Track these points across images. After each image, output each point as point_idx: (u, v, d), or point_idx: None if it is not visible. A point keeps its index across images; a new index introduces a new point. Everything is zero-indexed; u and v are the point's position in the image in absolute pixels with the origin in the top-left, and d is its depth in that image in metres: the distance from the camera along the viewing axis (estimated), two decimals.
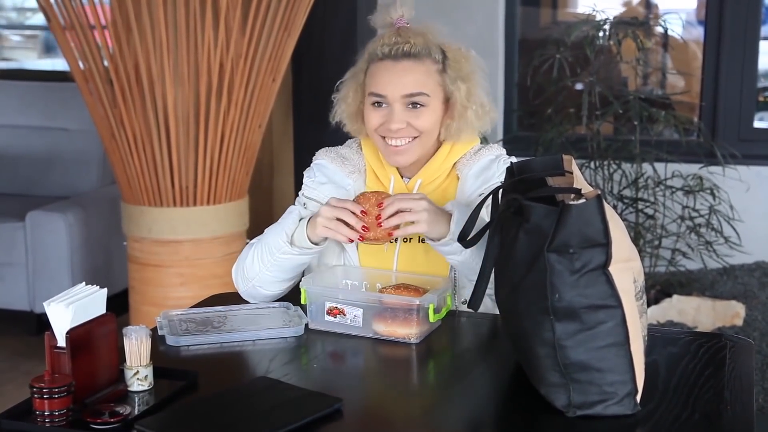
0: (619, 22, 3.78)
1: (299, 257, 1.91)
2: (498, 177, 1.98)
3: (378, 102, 1.94)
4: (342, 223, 1.84)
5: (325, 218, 1.85)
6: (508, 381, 1.65)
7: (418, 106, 1.93)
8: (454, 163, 2.03)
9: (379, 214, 1.84)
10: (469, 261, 1.85)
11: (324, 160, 2.08)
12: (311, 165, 2.11)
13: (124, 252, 3.58)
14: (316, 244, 1.90)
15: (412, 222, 1.83)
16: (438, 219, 1.84)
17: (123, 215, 3.47)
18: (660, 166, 3.81)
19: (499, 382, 1.67)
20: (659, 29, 4.14)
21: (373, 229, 1.84)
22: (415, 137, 1.94)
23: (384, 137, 1.95)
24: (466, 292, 1.96)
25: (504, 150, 2.06)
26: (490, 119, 2.02)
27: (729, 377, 1.60)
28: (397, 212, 1.84)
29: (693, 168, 3.86)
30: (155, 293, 3.40)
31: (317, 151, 2.11)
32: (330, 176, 2.05)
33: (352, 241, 1.86)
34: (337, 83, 2.06)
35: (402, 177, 2.03)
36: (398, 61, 1.92)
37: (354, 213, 1.84)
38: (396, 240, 1.97)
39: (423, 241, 1.98)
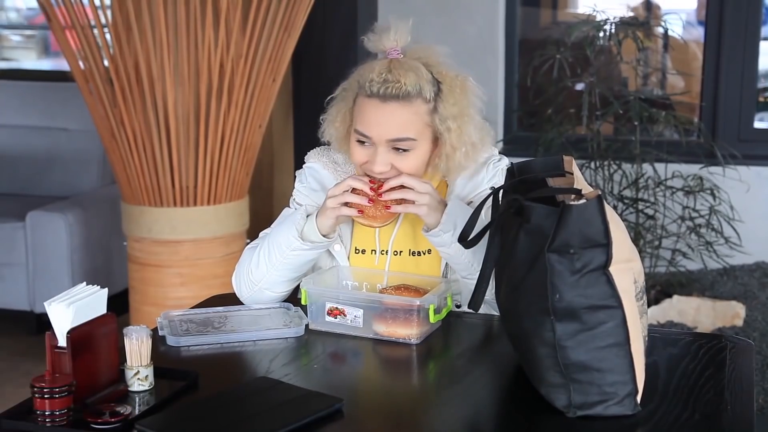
0: (619, 23, 3.77)
1: (310, 252, 1.91)
2: (488, 182, 1.97)
3: (362, 140, 1.90)
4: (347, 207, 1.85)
5: (332, 201, 1.86)
6: (508, 381, 1.65)
7: (402, 150, 1.88)
8: None
9: (381, 185, 1.84)
10: (457, 255, 1.86)
11: (317, 165, 2.06)
12: (303, 167, 2.09)
13: (124, 252, 3.58)
14: (326, 236, 1.90)
15: (412, 202, 1.84)
16: (437, 208, 1.85)
17: (123, 215, 3.47)
18: (660, 167, 3.81)
19: (499, 383, 1.67)
20: (659, 30, 4.14)
21: (373, 208, 1.85)
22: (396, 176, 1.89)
23: (367, 174, 1.92)
24: (461, 297, 1.96)
25: (495, 150, 2.03)
26: (480, 154, 1.97)
27: (729, 378, 1.60)
28: (400, 188, 1.84)
29: (693, 168, 3.86)
30: (155, 293, 3.40)
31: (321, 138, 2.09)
32: (322, 182, 2.04)
33: (361, 212, 1.85)
34: (327, 100, 2.02)
35: None
36: (386, 102, 1.84)
37: (356, 190, 1.84)
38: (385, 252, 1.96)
39: (413, 254, 1.99)
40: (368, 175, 1.90)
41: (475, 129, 1.94)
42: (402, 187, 1.85)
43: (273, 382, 1.56)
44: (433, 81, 1.89)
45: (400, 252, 1.99)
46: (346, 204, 1.85)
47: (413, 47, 1.92)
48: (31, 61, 7.06)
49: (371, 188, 1.85)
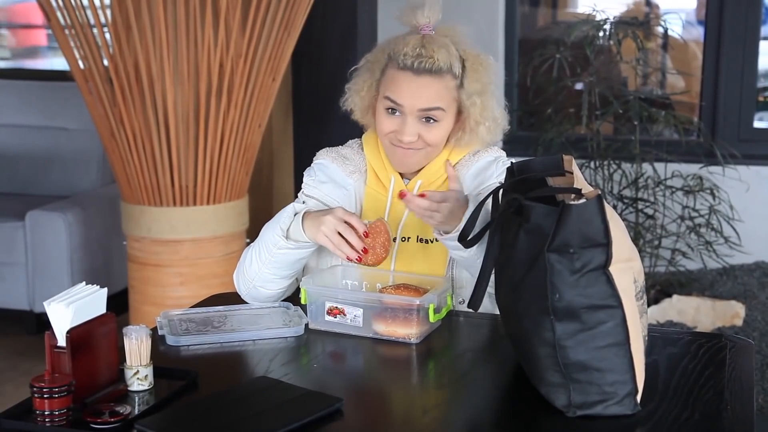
0: (619, 22, 3.77)
1: (296, 251, 1.91)
2: (496, 178, 1.99)
3: (392, 109, 1.95)
4: (343, 240, 1.83)
5: (328, 229, 1.84)
6: (508, 381, 1.65)
7: (432, 120, 1.94)
8: (454, 165, 2.03)
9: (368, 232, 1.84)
10: (473, 258, 1.86)
11: (325, 160, 2.08)
12: (312, 165, 2.11)
13: (123, 251, 3.57)
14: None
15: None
16: (453, 216, 1.84)
17: (122, 215, 3.47)
18: (660, 166, 3.81)
19: (499, 382, 1.67)
20: (659, 29, 4.14)
21: (373, 253, 1.84)
22: (422, 149, 1.96)
23: (393, 144, 1.97)
24: (464, 292, 1.96)
25: (503, 152, 2.07)
26: (501, 130, 2.04)
27: (729, 377, 1.60)
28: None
29: (693, 168, 3.86)
30: (155, 293, 3.39)
31: (317, 150, 2.12)
32: (331, 175, 2.05)
33: (350, 260, 1.85)
34: (351, 70, 2.07)
35: (402, 177, 2.04)
36: (419, 76, 1.92)
37: (357, 233, 1.83)
38: (394, 240, 1.97)
39: (421, 241, 1.99)
40: (375, 227, 1.88)
41: (497, 104, 2.01)
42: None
43: (273, 382, 1.56)
44: (460, 58, 1.96)
45: (408, 238, 1.99)
46: (339, 234, 1.83)
47: (441, 25, 1.98)
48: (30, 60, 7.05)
49: (364, 232, 1.84)
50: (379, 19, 4.33)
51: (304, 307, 1.87)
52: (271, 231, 1.92)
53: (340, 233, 1.83)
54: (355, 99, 2.05)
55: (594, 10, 3.78)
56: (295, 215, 1.91)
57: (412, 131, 1.93)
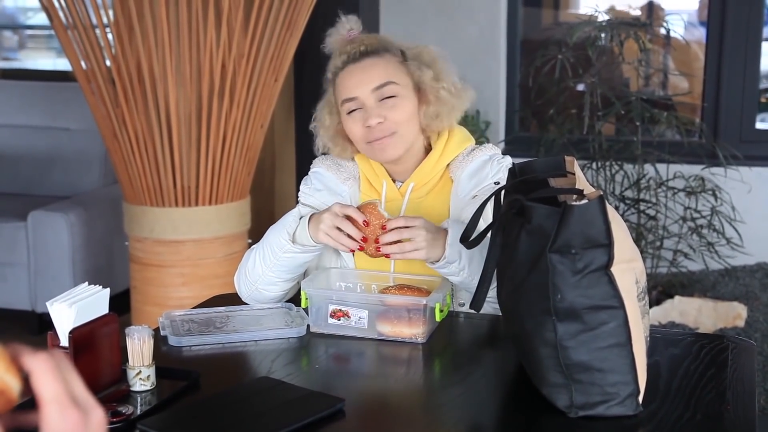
0: (621, 23, 3.77)
1: (302, 255, 1.91)
2: (492, 177, 1.98)
3: (353, 108, 1.94)
4: (343, 233, 1.84)
5: (327, 226, 1.84)
6: (509, 381, 1.65)
7: (391, 97, 1.93)
8: (447, 165, 2.02)
9: (378, 239, 1.83)
10: (467, 281, 1.86)
11: (321, 168, 2.09)
12: (309, 173, 2.12)
13: (125, 252, 3.57)
14: (317, 241, 1.90)
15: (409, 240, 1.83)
16: (436, 243, 1.83)
17: (125, 215, 3.47)
18: (662, 167, 3.81)
19: (501, 383, 1.67)
20: (661, 30, 4.14)
21: (371, 243, 1.84)
22: (394, 132, 1.94)
23: (369, 143, 1.95)
24: (464, 295, 1.96)
25: (498, 150, 2.05)
26: (468, 96, 2.02)
27: (731, 379, 1.60)
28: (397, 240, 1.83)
29: (695, 169, 3.86)
30: (157, 293, 3.40)
31: (317, 155, 2.13)
32: (326, 183, 2.06)
33: (352, 251, 1.86)
34: (313, 114, 2.08)
35: (394, 181, 2.04)
36: (359, 61, 1.95)
37: (356, 223, 1.83)
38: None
39: None
40: (366, 208, 1.87)
41: (451, 73, 2.01)
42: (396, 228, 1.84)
43: (274, 382, 1.56)
44: (397, 49, 2.00)
45: None
46: (338, 228, 1.84)
47: (367, 35, 2.03)
48: (32, 60, 7.06)
49: (364, 221, 1.83)
50: (381, 20, 4.33)
51: (305, 310, 1.87)
52: (277, 235, 1.92)
53: (339, 228, 1.83)
54: (321, 132, 2.05)
55: (596, 11, 3.78)
56: (300, 219, 1.92)
57: (376, 113, 1.92)
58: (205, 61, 3.20)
